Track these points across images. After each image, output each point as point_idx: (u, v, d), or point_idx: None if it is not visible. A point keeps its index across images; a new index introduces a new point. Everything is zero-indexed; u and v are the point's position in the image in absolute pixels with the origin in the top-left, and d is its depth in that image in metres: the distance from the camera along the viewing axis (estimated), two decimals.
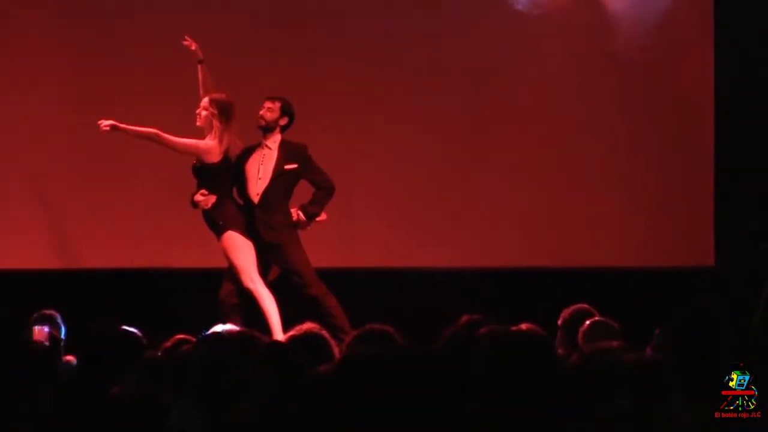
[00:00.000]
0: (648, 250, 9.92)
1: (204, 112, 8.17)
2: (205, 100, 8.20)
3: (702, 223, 9.97)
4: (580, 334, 6.10)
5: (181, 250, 9.66)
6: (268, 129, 8.36)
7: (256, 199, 8.28)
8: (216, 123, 8.14)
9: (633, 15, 9.92)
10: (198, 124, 8.23)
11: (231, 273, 8.24)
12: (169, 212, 9.60)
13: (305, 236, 8.41)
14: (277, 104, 8.37)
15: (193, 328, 5.82)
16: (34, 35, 9.87)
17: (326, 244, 8.81)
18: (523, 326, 4.30)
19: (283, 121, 8.38)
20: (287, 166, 8.33)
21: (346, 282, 8.57)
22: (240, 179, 8.34)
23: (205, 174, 8.21)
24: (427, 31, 9.98)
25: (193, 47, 8.36)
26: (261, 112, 8.35)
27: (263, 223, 8.26)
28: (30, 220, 9.81)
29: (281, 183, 8.33)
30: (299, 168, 8.36)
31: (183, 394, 4.37)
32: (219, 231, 8.22)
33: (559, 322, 6.45)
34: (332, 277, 8.41)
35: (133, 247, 9.79)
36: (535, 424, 3.55)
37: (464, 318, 5.92)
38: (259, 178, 8.32)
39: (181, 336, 5.48)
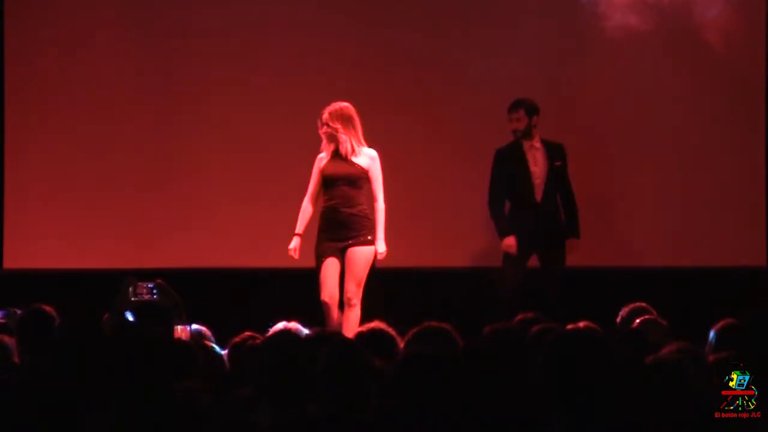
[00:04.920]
0: (700, 250, 9.96)
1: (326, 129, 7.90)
2: (326, 116, 7.90)
3: (754, 223, 10.01)
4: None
5: (250, 251, 9.84)
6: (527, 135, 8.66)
7: None
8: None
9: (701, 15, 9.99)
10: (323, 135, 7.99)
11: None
12: (238, 213, 9.82)
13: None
14: (521, 111, 8.63)
15: (262, 326, 6.00)
16: (110, 49, 10.03)
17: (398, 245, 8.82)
18: (581, 324, 4.39)
19: (535, 120, 8.67)
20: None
21: (406, 281, 8.68)
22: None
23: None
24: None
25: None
26: (512, 126, 8.62)
27: None
28: (103, 221, 9.99)
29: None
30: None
31: (252, 389, 4.53)
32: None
33: (617, 320, 6.57)
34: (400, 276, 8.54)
35: (203, 248, 9.94)
36: (592, 420, 3.66)
37: (518, 316, 6.07)
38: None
39: (249, 333, 5.63)
